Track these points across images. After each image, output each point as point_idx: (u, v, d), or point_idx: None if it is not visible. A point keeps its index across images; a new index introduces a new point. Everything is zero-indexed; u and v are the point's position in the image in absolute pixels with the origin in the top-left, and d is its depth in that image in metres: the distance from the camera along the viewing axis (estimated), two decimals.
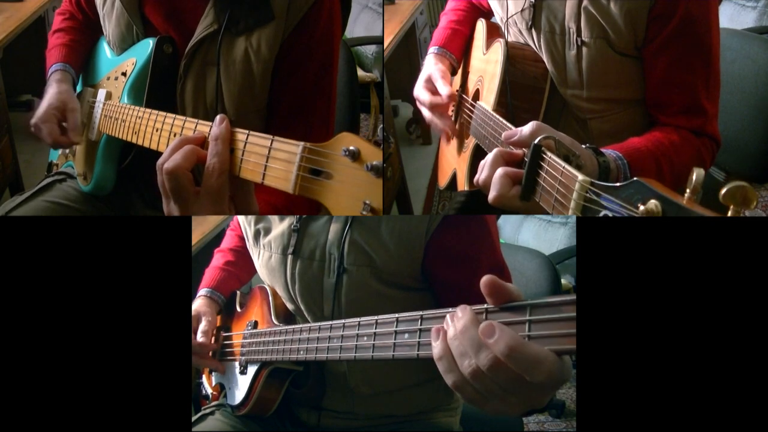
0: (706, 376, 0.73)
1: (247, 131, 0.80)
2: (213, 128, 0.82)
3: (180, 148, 0.82)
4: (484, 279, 0.57)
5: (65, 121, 1.14)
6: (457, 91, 1.35)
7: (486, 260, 0.97)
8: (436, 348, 0.59)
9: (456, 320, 0.58)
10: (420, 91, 1.27)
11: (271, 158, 0.75)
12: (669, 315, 0.74)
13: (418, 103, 1.30)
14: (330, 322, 0.81)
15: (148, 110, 0.99)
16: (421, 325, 0.64)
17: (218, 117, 0.82)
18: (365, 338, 0.72)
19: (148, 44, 1.08)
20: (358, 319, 0.75)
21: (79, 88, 1.26)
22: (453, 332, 0.58)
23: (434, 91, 1.25)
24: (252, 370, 1.07)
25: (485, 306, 0.59)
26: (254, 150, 0.78)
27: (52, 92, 1.16)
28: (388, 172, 2.03)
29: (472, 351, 0.55)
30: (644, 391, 0.74)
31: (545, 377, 0.52)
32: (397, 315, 0.68)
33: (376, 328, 0.71)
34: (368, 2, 2.91)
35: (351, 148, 0.69)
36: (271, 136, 0.77)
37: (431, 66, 1.28)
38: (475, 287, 0.99)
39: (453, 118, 1.34)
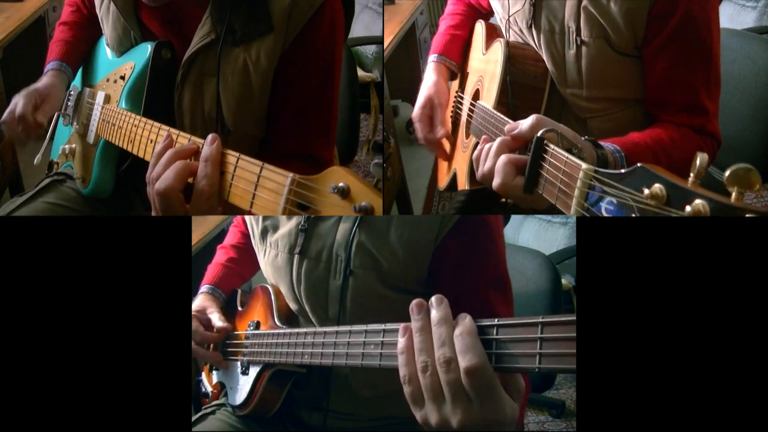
0: (706, 376, 0.73)
1: (237, 154, 0.79)
2: (204, 148, 0.81)
3: (172, 164, 0.81)
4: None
5: (40, 106, 1.13)
6: (457, 91, 1.35)
7: (489, 274, 0.97)
8: (400, 343, 0.63)
9: (422, 318, 0.62)
10: (417, 119, 1.31)
11: (260, 186, 0.75)
12: (669, 315, 0.74)
13: (415, 129, 1.33)
14: (336, 328, 0.81)
15: (144, 119, 0.98)
16: None
17: (210, 137, 0.81)
18: (372, 346, 0.72)
19: (146, 48, 1.07)
20: (365, 327, 0.74)
21: (77, 84, 1.26)
22: (417, 326, 0.61)
23: (431, 122, 1.29)
24: (254, 371, 1.07)
25: (496, 321, 0.60)
26: (244, 176, 0.77)
27: (42, 81, 1.17)
28: (388, 172, 2.03)
29: (435, 346, 0.59)
30: (644, 391, 0.74)
31: (475, 377, 0.56)
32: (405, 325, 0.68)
33: (383, 337, 0.71)
34: (368, 2, 2.91)
35: (340, 185, 0.66)
36: (261, 163, 0.75)
37: (431, 85, 1.30)
38: (479, 296, 0.99)
39: (452, 119, 1.35)
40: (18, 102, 1.13)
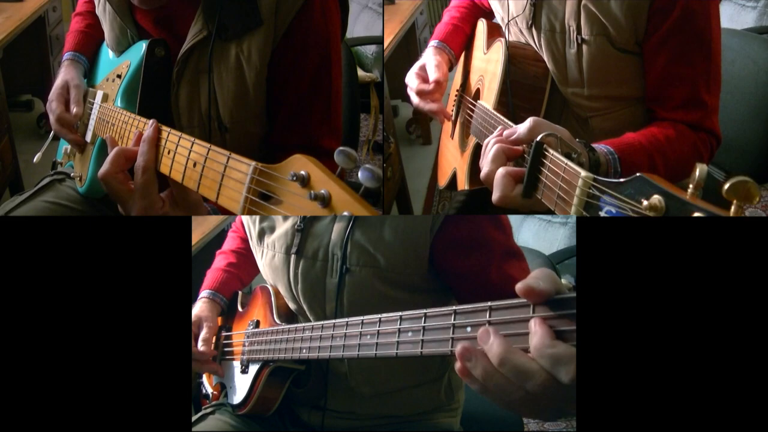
0: (706, 376, 0.73)
1: (208, 145, 0.79)
2: (145, 130, 0.88)
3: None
4: (518, 287, 0.53)
5: (69, 99, 1.16)
6: (457, 90, 1.35)
7: (498, 246, 0.96)
8: (475, 387, 0.56)
9: (488, 348, 0.54)
10: (410, 78, 1.27)
11: (226, 177, 0.74)
12: (669, 315, 0.74)
13: (408, 89, 1.29)
14: (333, 321, 0.81)
15: (134, 116, 0.99)
16: (424, 322, 0.64)
17: (151, 120, 0.89)
18: (368, 336, 0.72)
19: (141, 47, 1.07)
20: (361, 318, 0.74)
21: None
22: (489, 368, 0.54)
23: (424, 79, 1.25)
24: (253, 369, 1.07)
25: (489, 304, 0.58)
26: (213, 166, 0.76)
27: (59, 77, 1.19)
28: (388, 172, 2.03)
29: (518, 381, 0.53)
30: (644, 391, 0.74)
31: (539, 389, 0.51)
32: (400, 313, 0.68)
33: (379, 326, 0.71)
34: (368, 2, 2.91)
35: (301, 172, 0.64)
36: (228, 153, 0.75)
37: (428, 57, 1.28)
38: (492, 274, 0.97)
39: (453, 117, 1.34)
40: (51, 107, 1.16)
